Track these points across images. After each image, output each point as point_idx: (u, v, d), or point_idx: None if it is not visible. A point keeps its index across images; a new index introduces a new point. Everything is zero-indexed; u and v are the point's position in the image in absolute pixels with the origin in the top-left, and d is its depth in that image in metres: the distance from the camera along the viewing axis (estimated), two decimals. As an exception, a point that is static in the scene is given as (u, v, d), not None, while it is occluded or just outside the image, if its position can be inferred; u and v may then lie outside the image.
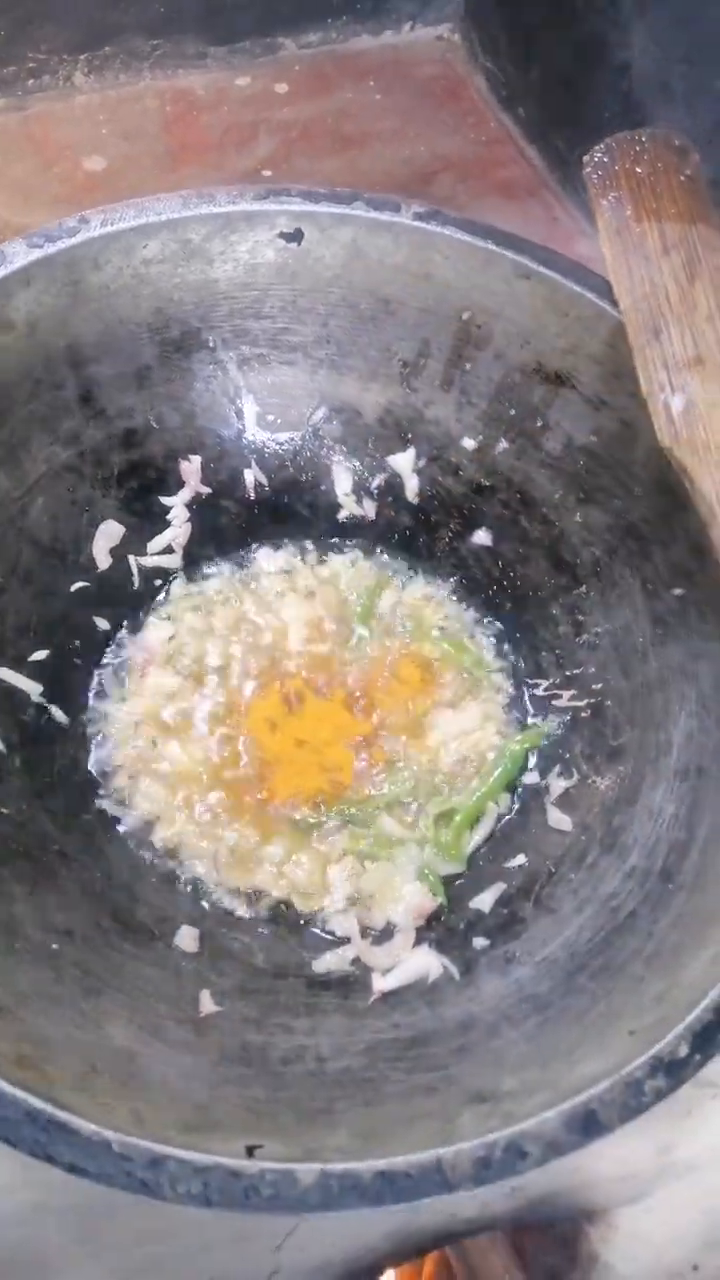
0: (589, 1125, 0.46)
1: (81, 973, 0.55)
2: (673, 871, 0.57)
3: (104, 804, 0.65)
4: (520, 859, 0.64)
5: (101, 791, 0.66)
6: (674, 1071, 0.47)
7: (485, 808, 0.66)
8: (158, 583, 0.73)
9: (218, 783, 0.67)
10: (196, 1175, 0.44)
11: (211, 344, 0.70)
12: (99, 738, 0.68)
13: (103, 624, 0.70)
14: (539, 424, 0.70)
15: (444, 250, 0.67)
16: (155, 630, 0.71)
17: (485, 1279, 0.79)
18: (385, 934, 0.63)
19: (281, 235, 0.67)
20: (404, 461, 0.74)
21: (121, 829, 0.65)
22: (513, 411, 0.70)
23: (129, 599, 0.72)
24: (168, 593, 0.73)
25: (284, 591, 0.73)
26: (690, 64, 0.92)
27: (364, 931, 0.63)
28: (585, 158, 0.68)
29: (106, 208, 0.64)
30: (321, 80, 1.24)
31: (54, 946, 0.56)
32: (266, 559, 0.75)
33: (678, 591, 0.65)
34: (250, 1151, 0.45)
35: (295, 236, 0.67)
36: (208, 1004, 0.56)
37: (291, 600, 0.73)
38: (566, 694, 0.69)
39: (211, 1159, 0.44)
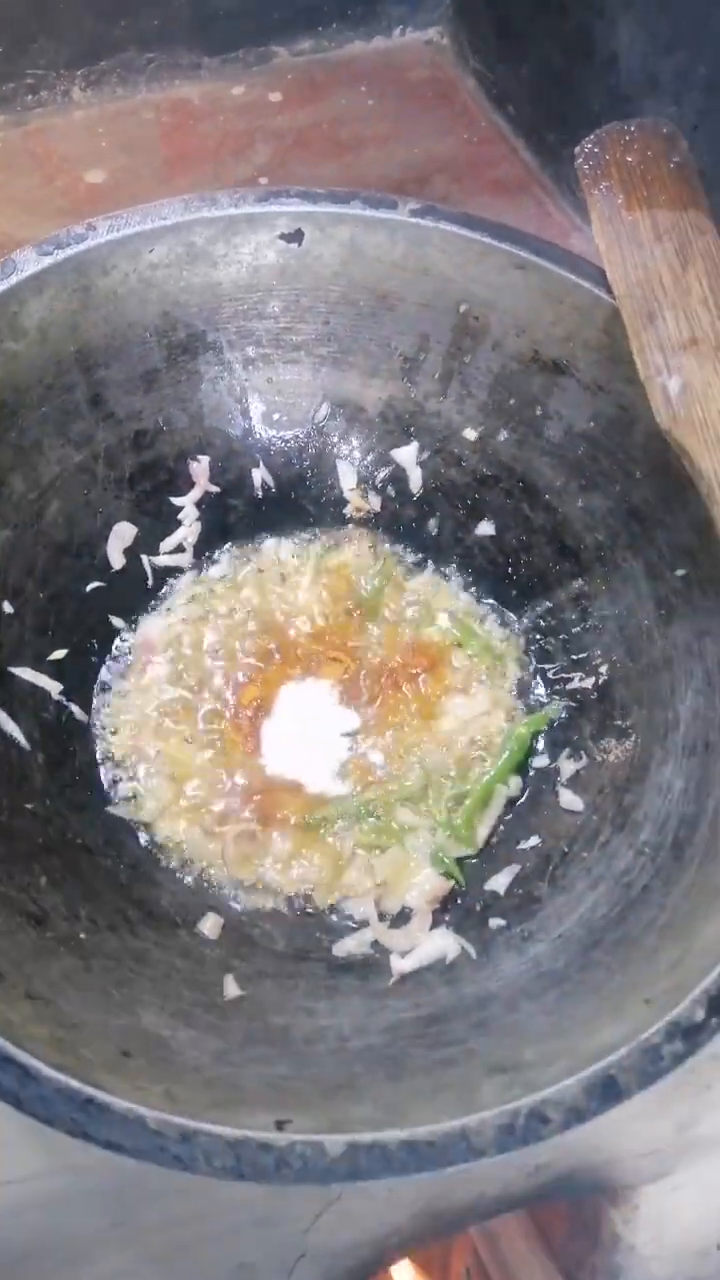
0: (609, 1091, 0.47)
1: (110, 961, 0.56)
2: (684, 844, 0.58)
3: (111, 806, 0.66)
4: (534, 840, 0.65)
5: (109, 790, 0.67)
6: (691, 1036, 0.48)
7: (494, 791, 0.67)
8: (170, 581, 0.74)
9: (219, 781, 0.67)
10: (229, 1149, 0.45)
11: (217, 345, 0.71)
12: (104, 736, 0.69)
13: (118, 623, 0.72)
14: (538, 412, 0.71)
15: (440, 245, 0.68)
16: (154, 623, 0.72)
17: (512, 1265, 0.80)
18: (402, 918, 0.64)
19: (282, 236, 0.69)
20: (407, 455, 0.75)
21: (132, 825, 0.66)
22: (512, 401, 0.72)
23: (143, 598, 0.73)
24: (173, 588, 0.74)
25: (289, 575, 0.74)
26: (674, 52, 0.93)
27: (381, 915, 0.64)
28: (576, 149, 0.69)
29: (113, 214, 0.66)
30: (314, 87, 1.25)
31: (82, 936, 0.57)
32: (272, 550, 0.76)
33: (681, 572, 0.66)
34: (280, 1125, 0.46)
35: (295, 237, 0.69)
36: (232, 989, 0.57)
37: (298, 588, 0.74)
38: (574, 677, 0.70)
39: (242, 1133, 0.45)
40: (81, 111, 1.19)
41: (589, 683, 0.69)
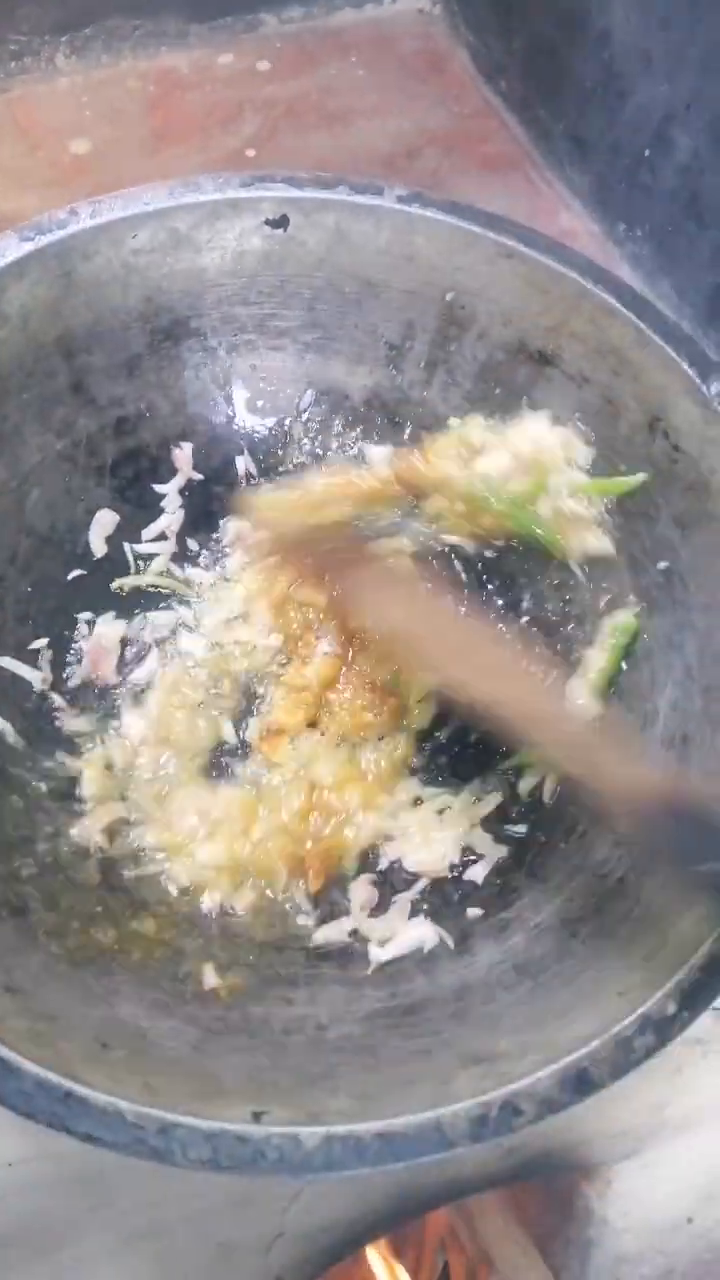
0: (581, 1083, 0.48)
1: (90, 951, 0.57)
2: (660, 838, 0.59)
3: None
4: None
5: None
6: (662, 1029, 0.49)
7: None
8: (148, 564, 0.74)
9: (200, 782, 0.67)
10: (206, 1141, 0.46)
11: (200, 331, 0.71)
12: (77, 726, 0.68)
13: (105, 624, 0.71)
14: (524, 403, 0.71)
15: (426, 232, 0.67)
16: (137, 621, 0.71)
17: (487, 1240, 0.82)
18: (381, 906, 0.64)
19: (267, 222, 0.68)
20: (379, 455, 0.74)
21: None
22: (498, 391, 0.71)
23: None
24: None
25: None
26: (668, 30, 0.92)
27: (361, 906, 0.64)
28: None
29: (95, 199, 0.65)
30: (304, 56, 1.23)
31: (61, 926, 0.57)
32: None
33: (663, 565, 0.66)
34: (257, 1117, 0.47)
35: (281, 223, 0.68)
36: (210, 978, 0.58)
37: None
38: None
39: (219, 1125, 0.46)
40: (65, 79, 1.17)
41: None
